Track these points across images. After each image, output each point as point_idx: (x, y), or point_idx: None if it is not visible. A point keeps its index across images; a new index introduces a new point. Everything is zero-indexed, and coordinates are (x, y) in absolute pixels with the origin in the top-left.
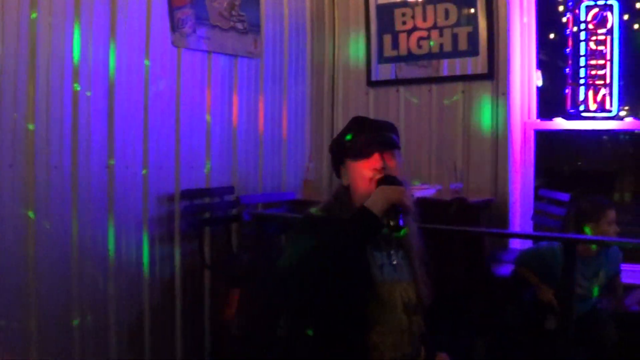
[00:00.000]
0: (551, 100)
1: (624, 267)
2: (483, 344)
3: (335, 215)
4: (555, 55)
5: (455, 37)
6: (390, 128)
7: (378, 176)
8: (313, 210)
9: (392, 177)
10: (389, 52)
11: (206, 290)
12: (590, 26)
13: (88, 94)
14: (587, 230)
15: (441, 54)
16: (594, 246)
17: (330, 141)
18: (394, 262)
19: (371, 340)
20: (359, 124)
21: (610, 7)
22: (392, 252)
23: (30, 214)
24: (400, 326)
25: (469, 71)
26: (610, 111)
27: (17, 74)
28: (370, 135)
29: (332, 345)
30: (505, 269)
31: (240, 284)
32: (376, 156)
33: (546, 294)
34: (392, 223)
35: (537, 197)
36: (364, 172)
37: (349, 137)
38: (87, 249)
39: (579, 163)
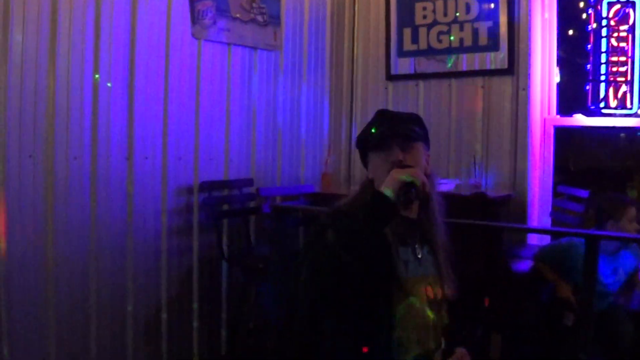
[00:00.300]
0: (571, 97)
1: None
2: (499, 339)
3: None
4: (576, 51)
5: (475, 32)
6: (414, 120)
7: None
8: (339, 203)
9: (406, 164)
10: (408, 46)
11: (224, 283)
12: (612, 22)
13: (109, 84)
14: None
15: (461, 49)
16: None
17: (349, 135)
18: (419, 257)
19: (396, 337)
20: (382, 117)
21: (632, 4)
22: (417, 247)
23: (50, 205)
24: (426, 322)
25: (489, 66)
26: (630, 108)
27: (38, 64)
28: (391, 128)
29: (357, 342)
30: (523, 265)
31: (258, 276)
32: (395, 148)
33: (565, 291)
34: (401, 198)
35: (556, 194)
36: (383, 164)
37: (372, 130)
38: (105, 240)
39: (599, 160)
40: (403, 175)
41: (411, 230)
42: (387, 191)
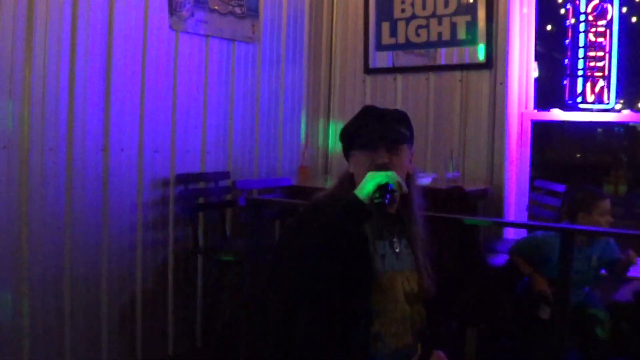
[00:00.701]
0: (548, 92)
1: None
2: (474, 333)
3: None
4: (554, 46)
5: (454, 26)
6: (401, 120)
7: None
8: (318, 196)
9: (384, 164)
10: (387, 39)
11: (199, 276)
12: (590, 18)
13: (85, 75)
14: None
15: (439, 43)
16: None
17: (326, 128)
18: (397, 251)
19: (375, 330)
20: (368, 114)
21: (610, 0)
22: (394, 240)
23: (24, 196)
24: (403, 315)
25: (467, 60)
26: (607, 103)
27: (14, 54)
28: (378, 128)
29: (334, 336)
30: (500, 259)
31: (233, 269)
32: (382, 150)
33: (541, 284)
34: (375, 200)
35: (533, 188)
36: (367, 163)
37: (357, 126)
38: (80, 231)
39: (577, 155)
40: (378, 178)
41: (390, 224)
42: (362, 194)
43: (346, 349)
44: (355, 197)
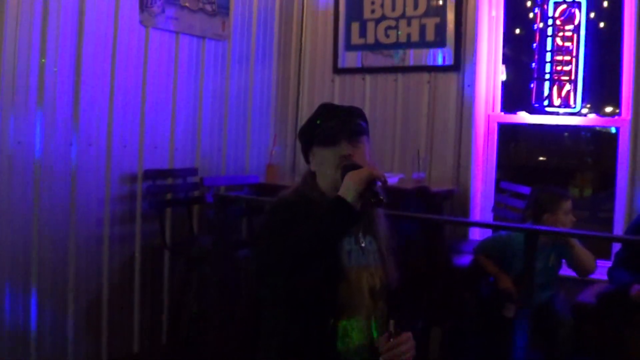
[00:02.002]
0: (516, 95)
1: None
2: (440, 332)
3: (307, 197)
4: (522, 49)
5: (423, 28)
6: (358, 114)
7: (344, 163)
8: (285, 195)
9: (354, 164)
10: (356, 40)
11: (165, 272)
12: (558, 22)
13: (55, 69)
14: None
15: (408, 44)
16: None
17: (295, 127)
18: (362, 246)
19: (342, 325)
20: (326, 111)
21: (578, 4)
22: (360, 236)
23: None
24: (367, 311)
25: (435, 62)
26: (574, 107)
27: None
28: (337, 122)
29: (303, 330)
30: (465, 259)
31: (200, 266)
32: (344, 143)
33: (505, 282)
34: (372, 200)
35: (499, 190)
36: (330, 158)
37: (317, 122)
38: (47, 226)
39: (543, 158)
40: (362, 175)
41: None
42: (349, 196)
43: (314, 344)
44: (343, 201)
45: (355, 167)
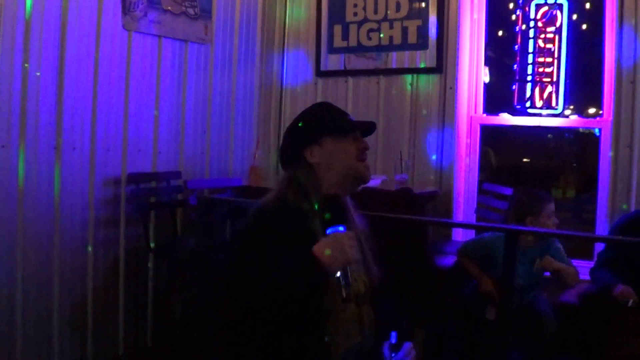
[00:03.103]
0: (498, 96)
1: None
2: (423, 333)
3: (292, 203)
4: (504, 51)
5: (405, 30)
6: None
7: (363, 156)
8: (267, 202)
9: (332, 197)
10: (339, 42)
11: (150, 274)
12: (540, 24)
13: (37, 74)
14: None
15: (391, 47)
16: (530, 237)
17: (278, 129)
18: None
19: (327, 331)
20: (334, 107)
21: (560, 6)
22: None
23: None
24: (352, 315)
25: (418, 64)
26: (555, 108)
27: None
28: (350, 117)
29: (289, 337)
30: (448, 260)
31: (184, 268)
32: (360, 136)
33: (487, 285)
34: (341, 286)
35: (481, 191)
36: (349, 147)
37: (328, 116)
38: (32, 229)
39: (526, 159)
40: (349, 256)
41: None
42: (328, 264)
43: (301, 350)
44: (319, 266)
45: (339, 203)
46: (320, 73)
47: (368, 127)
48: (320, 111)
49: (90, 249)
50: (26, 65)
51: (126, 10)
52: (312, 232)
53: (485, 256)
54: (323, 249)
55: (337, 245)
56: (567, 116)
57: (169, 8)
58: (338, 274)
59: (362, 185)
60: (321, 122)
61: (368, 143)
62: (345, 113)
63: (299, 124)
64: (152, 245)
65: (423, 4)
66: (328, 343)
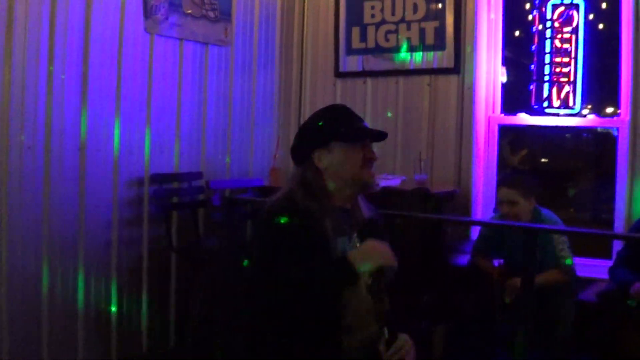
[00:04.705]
0: (516, 96)
1: (582, 261)
2: (442, 330)
3: (301, 203)
4: (521, 52)
5: (422, 32)
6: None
7: (370, 165)
8: (277, 202)
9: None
10: (357, 44)
11: (172, 274)
12: (556, 24)
13: (62, 76)
14: None
15: (408, 48)
16: None
17: (296, 130)
18: (357, 245)
19: (344, 324)
20: (348, 111)
21: (576, 6)
22: (354, 236)
23: (3, 194)
24: (367, 307)
25: (435, 65)
26: (573, 108)
27: None
28: (363, 125)
29: (309, 331)
30: (466, 259)
31: (206, 268)
32: (369, 145)
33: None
34: (376, 287)
35: None
36: (356, 156)
37: (340, 120)
38: (57, 229)
39: (543, 160)
40: (383, 260)
41: (346, 220)
42: (362, 267)
43: (319, 341)
44: (352, 268)
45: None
46: (338, 74)
47: (379, 137)
48: (334, 114)
49: (114, 248)
50: (51, 68)
51: (148, 13)
52: (323, 231)
53: (489, 246)
54: (358, 255)
55: (373, 250)
56: (584, 116)
57: (190, 11)
58: (370, 281)
59: (369, 191)
60: (332, 127)
61: (384, 146)
62: (360, 119)
63: (312, 125)
64: (174, 245)
65: (440, 5)
66: (346, 331)
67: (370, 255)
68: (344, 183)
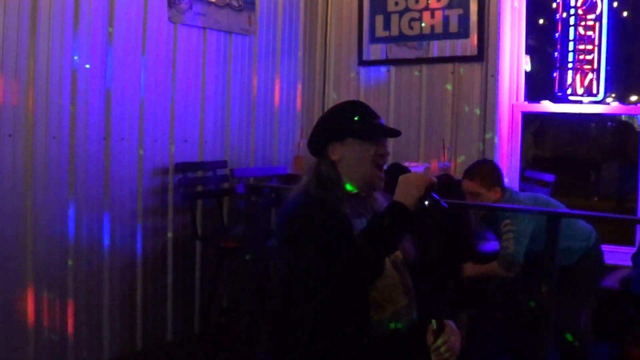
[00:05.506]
0: (539, 84)
1: (605, 248)
2: (465, 316)
3: (314, 193)
4: (545, 39)
5: (446, 19)
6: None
7: (381, 161)
8: (295, 197)
9: (398, 164)
10: (380, 32)
11: (197, 262)
12: (580, 12)
13: (87, 66)
14: None
15: (432, 36)
16: None
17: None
18: None
19: (372, 298)
20: (364, 108)
21: None
22: (370, 217)
23: (29, 184)
24: (394, 281)
25: (459, 53)
26: (596, 95)
27: (18, 46)
28: (379, 122)
29: (336, 310)
30: (490, 246)
31: (231, 256)
32: (382, 142)
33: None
34: (434, 207)
35: (523, 178)
36: (368, 152)
37: (356, 117)
38: (82, 218)
39: (569, 148)
40: (421, 182)
41: (362, 204)
42: (409, 201)
43: (348, 317)
44: (404, 207)
45: (405, 170)
46: (362, 62)
47: (392, 134)
48: (351, 110)
49: (139, 237)
50: (75, 58)
51: (172, 3)
52: (343, 214)
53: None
54: (400, 193)
55: (408, 181)
56: (608, 103)
57: (214, 0)
58: (426, 202)
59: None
60: (348, 123)
61: (408, 134)
62: (376, 115)
63: (329, 119)
64: (199, 233)
65: None
66: (375, 307)
67: (410, 186)
68: (355, 177)
